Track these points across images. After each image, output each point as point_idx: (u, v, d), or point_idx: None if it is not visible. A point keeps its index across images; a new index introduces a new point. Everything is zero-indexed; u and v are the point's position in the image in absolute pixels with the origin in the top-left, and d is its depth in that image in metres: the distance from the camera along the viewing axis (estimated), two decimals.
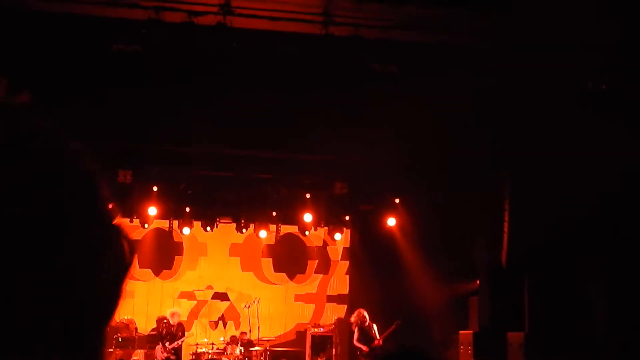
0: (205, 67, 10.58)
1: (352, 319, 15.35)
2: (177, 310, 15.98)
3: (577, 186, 12.33)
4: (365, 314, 15.19)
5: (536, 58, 10.67)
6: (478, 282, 16.12)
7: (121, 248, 0.73)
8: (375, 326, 15.19)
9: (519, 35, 10.20)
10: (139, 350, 15.61)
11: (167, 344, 15.18)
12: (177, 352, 15.25)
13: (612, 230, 13.34)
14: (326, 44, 10.24)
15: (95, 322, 0.71)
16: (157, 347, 15.17)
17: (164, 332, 15.39)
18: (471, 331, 15.08)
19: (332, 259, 18.34)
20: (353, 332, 15.23)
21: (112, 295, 0.73)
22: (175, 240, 17.60)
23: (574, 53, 10.36)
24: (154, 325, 17.00)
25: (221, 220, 17.14)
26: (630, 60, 10.80)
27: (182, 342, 15.43)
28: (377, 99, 11.30)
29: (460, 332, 15.21)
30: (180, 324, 15.57)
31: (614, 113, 11.34)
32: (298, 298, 18.05)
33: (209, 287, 17.82)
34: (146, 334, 16.57)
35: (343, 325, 17.19)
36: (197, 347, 15.79)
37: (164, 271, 17.62)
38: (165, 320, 15.64)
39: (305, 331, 16.91)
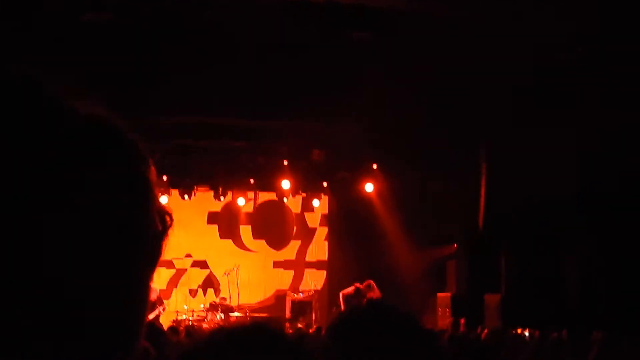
0: (179, 35, 10.46)
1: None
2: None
3: (552, 156, 12.45)
4: (373, 285, 15.16)
5: (515, 26, 10.68)
6: (455, 246, 16.31)
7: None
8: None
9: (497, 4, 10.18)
10: None
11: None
12: (156, 322, 15.20)
13: (586, 197, 13.51)
14: (302, 9, 10.16)
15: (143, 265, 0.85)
16: None
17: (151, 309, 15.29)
18: (449, 294, 15.30)
19: (310, 225, 18.42)
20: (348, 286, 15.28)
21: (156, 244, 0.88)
22: None
23: (552, 21, 10.37)
24: None
25: (199, 189, 17.12)
26: (607, 27, 10.84)
27: (161, 312, 15.39)
28: (354, 66, 11.27)
29: (438, 294, 15.43)
30: (158, 297, 15.49)
31: (591, 84, 11.40)
32: (277, 264, 18.15)
33: (188, 255, 17.84)
34: None
35: (322, 292, 17.35)
36: (177, 315, 15.86)
37: None
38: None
39: (285, 297, 17.04)
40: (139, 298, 0.83)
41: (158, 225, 0.86)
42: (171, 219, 0.90)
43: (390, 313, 1.99)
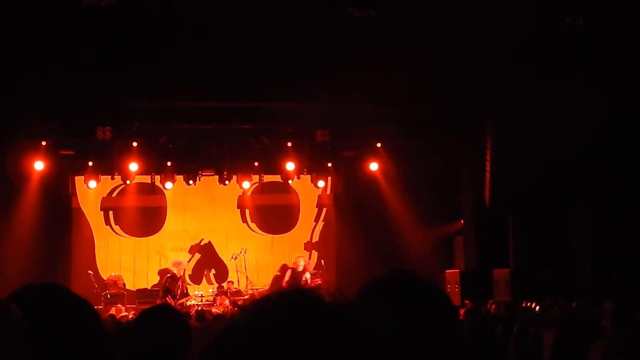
0: (182, 18, 10.39)
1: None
2: (181, 260, 16.12)
3: (560, 126, 12.38)
4: (301, 261, 15.77)
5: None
6: (462, 222, 16.27)
7: None
8: (308, 275, 16.08)
9: None
10: (128, 306, 15.66)
11: (175, 297, 15.12)
12: (183, 304, 15.28)
13: (595, 170, 13.45)
14: None
15: None
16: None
17: (171, 286, 15.27)
18: (457, 270, 15.28)
19: (316, 206, 18.40)
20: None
21: None
22: (159, 195, 17.53)
23: None
24: (143, 280, 17.05)
25: (203, 173, 17.08)
26: None
27: (188, 294, 15.62)
28: (357, 45, 11.19)
29: (447, 271, 15.41)
30: (183, 278, 15.65)
31: (595, 51, 11.33)
32: (284, 246, 18.13)
33: (195, 240, 17.83)
34: (134, 289, 16.63)
35: (330, 273, 17.36)
36: (186, 300, 15.87)
37: (150, 226, 17.60)
38: (169, 274, 15.63)
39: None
40: None
41: None
42: None
43: (418, 281, 1.97)
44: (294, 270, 16.38)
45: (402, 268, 1.99)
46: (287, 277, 16.16)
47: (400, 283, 1.93)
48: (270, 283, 16.89)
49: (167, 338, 3.33)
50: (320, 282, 16.74)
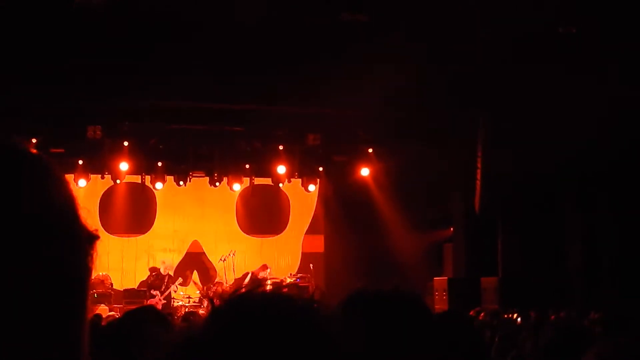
0: (174, 18, 10.35)
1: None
2: (166, 260, 16.34)
3: (552, 132, 12.39)
4: (264, 273, 15.99)
5: (507, 4, 10.63)
6: (452, 229, 16.27)
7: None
8: (268, 282, 16.03)
9: None
10: (115, 306, 15.59)
11: (157, 292, 15.51)
12: (168, 300, 15.49)
13: (587, 175, 13.47)
14: None
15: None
16: (148, 301, 15.11)
17: (155, 282, 15.71)
18: (446, 277, 15.28)
19: (306, 210, 18.38)
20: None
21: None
22: (149, 195, 17.48)
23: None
24: (130, 280, 17.03)
25: (194, 174, 17.04)
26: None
27: (172, 290, 15.81)
28: (349, 49, 11.19)
29: (435, 278, 15.40)
30: (169, 276, 15.83)
31: (587, 57, 11.35)
32: (273, 250, 18.11)
33: (184, 241, 17.79)
34: (122, 289, 16.57)
35: (319, 277, 17.33)
36: (173, 301, 15.84)
37: (139, 226, 17.54)
38: (155, 272, 16.03)
39: (282, 282, 17.00)
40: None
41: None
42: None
43: (397, 295, 1.99)
44: (253, 275, 16.30)
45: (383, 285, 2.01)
46: (246, 281, 16.23)
47: (380, 296, 1.95)
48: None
49: (150, 339, 3.30)
50: (309, 286, 16.72)
